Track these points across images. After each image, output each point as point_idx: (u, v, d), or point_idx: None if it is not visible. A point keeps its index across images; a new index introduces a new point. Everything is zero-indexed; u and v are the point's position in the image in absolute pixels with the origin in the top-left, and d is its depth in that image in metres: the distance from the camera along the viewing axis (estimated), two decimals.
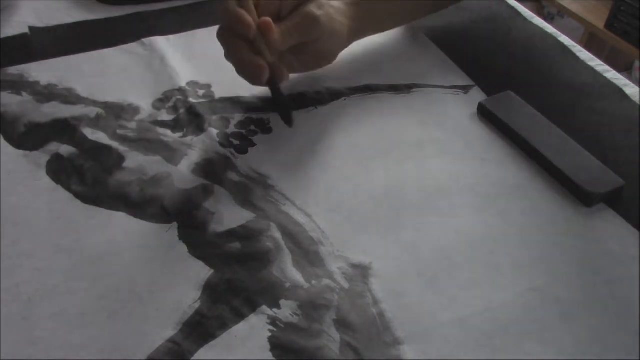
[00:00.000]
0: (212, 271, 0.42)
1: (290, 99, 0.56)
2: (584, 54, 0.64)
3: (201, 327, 0.39)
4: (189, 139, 0.52)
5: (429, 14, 0.65)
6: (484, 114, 0.55)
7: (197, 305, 0.40)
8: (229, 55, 0.51)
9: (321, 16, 0.51)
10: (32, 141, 0.51)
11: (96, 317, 0.39)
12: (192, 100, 0.55)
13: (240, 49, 0.49)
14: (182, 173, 0.49)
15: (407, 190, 0.48)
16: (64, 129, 0.52)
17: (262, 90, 0.57)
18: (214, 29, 0.65)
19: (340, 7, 0.55)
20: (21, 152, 0.50)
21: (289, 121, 0.53)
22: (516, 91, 0.56)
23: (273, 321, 0.39)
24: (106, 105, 0.55)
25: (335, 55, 0.57)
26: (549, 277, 0.42)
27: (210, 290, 0.41)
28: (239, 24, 0.48)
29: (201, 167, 0.49)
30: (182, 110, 0.54)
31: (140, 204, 0.46)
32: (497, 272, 0.43)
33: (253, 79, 0.51)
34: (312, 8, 0.51)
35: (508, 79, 0.60)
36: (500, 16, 0.69)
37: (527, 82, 0.60)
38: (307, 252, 0.43)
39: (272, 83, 0.52)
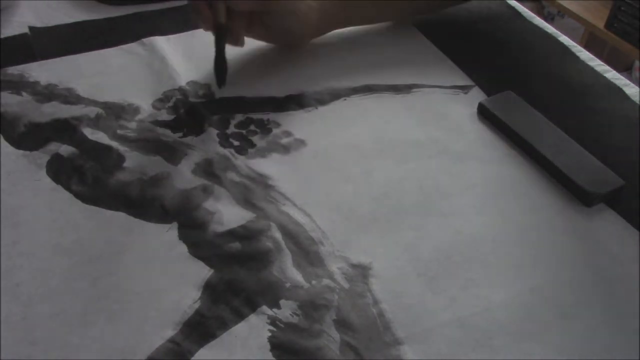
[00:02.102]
0: (212, 271, 0.42)
1: (289, 99, 0.56)
2: (584, 54, 0.64)
3: (201, 327, 0.39)
4: (189, 139, 0.52)
5: (417, 15, 0.65)
6: (484, 114, 0.55)
7: (197, 305, 0.40)
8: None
9: None
10: (32, 141, 0.51)
11: (96, 317, 0.39)
12: (192, 100, 0.55)
13: None
14: (182, 173, 0.49)
15: (407, 190, 0.48)
16: (64, 129, 0.52)
17: (262, 91, 0.57)
18: None
19: None
20: (21, 152, 0.50)
21: (220, 81, 0.54)
22: (516, 91, 0.56)
23: (273, 321, 0.39)
24: (106, 105, 0.55)
25: (301, 38, 0.57)
26: (549, 277, 0.42)
27: (210, 290, 0.41)
28: None
29: (201, 167, 0.49)
30: (182, 110, 0.54)
31: (140, 204, 0.46)
32: (497, 272, 0.43)
33: (195, 19, 0.52)
34: None
35: (508, 79, 0.60)
36: (500, 16, 0.69)
37: (527, 82, 0.60)
38: (307, 252, 0.43)
39: (219, 40, 0.52)
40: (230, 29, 0.53)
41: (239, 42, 0.55)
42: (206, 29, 0.52)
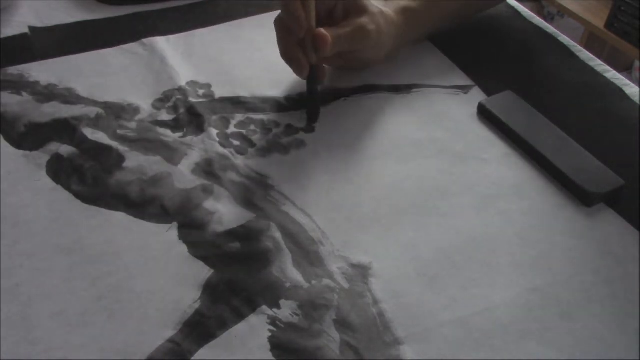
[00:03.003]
0: (212, 271, 0.42)
1: (289, 99, 0.56)
2: (584, 54, 0.64)
3: (201, 327, 0.39)
4: (189, 139, 0.52)
5: (470, 17, 0.66)
6: (484, 114, 0.55)
7: (197, 305, 0.40)
8: (278, 42, 0.53)
9: (372, 31, 0.53)
10: (32, 141, 0.51)
11: (96, 317, 0.39)
12: (192, 100, 0.55)
13: (289, 41, 0.52)
14: (182, 173, 0.49)
15: (407, 190, 0.48)
16: (64, 129, 0.52)
17: (262, 91, 0.57)
18: (214, 28, 0.65)
19: (391, 17, 0.56)
20: (21, 152, 0.50)
21: (313, 119, 0.54)
22: (516, 91, 0.56)
23: (273, 321, 0.39)
24: (106, 105, 0.55)
25: (377, 62, 0.59)
26: (549, 277, 0.42)
27: (210, 290, 0.41)
28: (294, 23, 0.50)
29: (201, 167, 0.49)
30: (182, 110, 0.54)
31: (140, 204, 0.46)
32: (497, 272, 0.43)
33: (294, 72, 0.53)
34: (366, 21, 0.53)
35: (508, 79, 0.60)
36: (500, 16, 0.69)
37: (527, 82, 0.60)
38: (307, 252, 0.43)
39: (310, 79, 0.54)
40: (318, 69, 0.54)
41: (323, 78, 0.56)
42: (301, 77, 0.54)
